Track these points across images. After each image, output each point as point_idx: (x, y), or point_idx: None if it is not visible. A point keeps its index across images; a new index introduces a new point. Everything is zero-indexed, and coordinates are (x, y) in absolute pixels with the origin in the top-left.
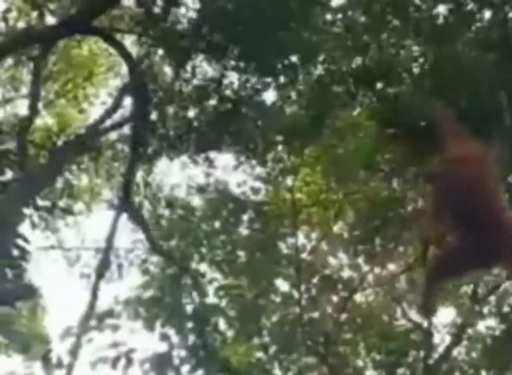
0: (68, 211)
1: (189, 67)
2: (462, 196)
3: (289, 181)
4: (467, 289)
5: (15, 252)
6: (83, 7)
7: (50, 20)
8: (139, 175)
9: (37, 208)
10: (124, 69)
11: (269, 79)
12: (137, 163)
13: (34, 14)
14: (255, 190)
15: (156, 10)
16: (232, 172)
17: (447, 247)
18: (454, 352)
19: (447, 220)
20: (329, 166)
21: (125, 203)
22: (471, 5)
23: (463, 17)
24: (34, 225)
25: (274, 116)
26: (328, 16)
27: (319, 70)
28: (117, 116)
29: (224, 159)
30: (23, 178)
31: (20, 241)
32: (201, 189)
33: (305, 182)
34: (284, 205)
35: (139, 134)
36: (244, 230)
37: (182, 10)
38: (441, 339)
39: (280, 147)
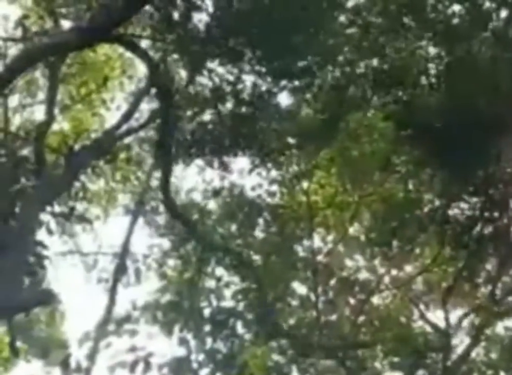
0: (84, 219)
1: (205, 71)
2: None
3: (304, 184)
4: (485, 290)
5: (33, 259)
6: (104, 15)
7: (65, 24)
8: (155, 180)
9: (54, 214)
10: (139, 73)
11: (284, 83)
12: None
13: (50, 20)
14: (271, 194)
15: (174, 15)
16: (247, 175)
17: None
18: (473, 353)
19: None
20: (344, 169)
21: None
22: (487, 5)
23: (479, 17)
24: (50, 232)
25: (289, 120)
26: (344, 18)
27: (335, 73)
28: (133, 121)
29: (239, 162)
30: (40, 184)
31: (37, 248)
32: (217, 193)
33: (321, 184)
34: (300, 208)
35: (162, 138)
36: (260, 234)
37: (199, 14)
38: (459, 340)
39: (295, 150)
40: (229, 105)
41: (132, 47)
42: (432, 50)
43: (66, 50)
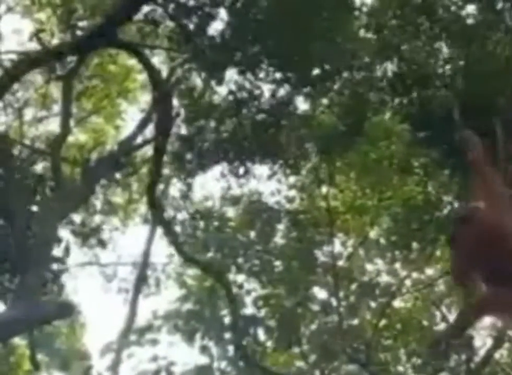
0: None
1: (223, 80)
2: (485, 247)
3: (324, 189)
4: None
5: (50, 275)
6: (106, 18)
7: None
8: (175, 189)
9: (74, 233)
10: None
11: (303, 89)
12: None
13: (67, 33)
14: (290, 199)
15: (190, 25)
16: (266, 181)
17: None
18: (497, 354)
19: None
20: (363, 173)
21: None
22: (500, 5)
23: (493, 17)
24: (67, 250)
25: (308, 125)
26: (359, 22)
27: (353, 77)
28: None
29: (257, 168)
30: (57, 197)
31: (54, 264)
32: (236, 200)
33: (340, 189)
34: (320, 213)
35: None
36: (280, 240)
37: (215, 23)
38: (482, 342)
39: (314, 155)
40: (248, 113)
41: (135, 53)
42: (447, 51)
43: (66, 54)
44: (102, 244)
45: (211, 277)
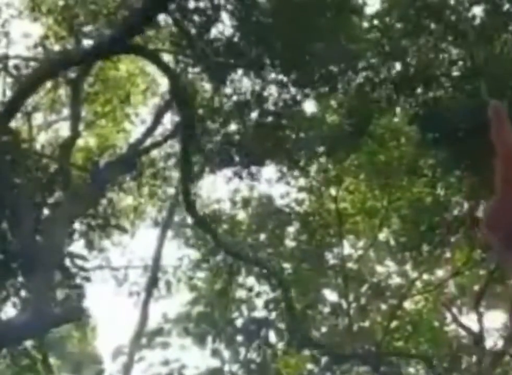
0: (120, 228)
1: (228, 83)
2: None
3: (333, 191)
4: None
5: (62, 274)
6: (119, 27)
7: (87, 43)
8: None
9: (90, 227)
10: (161, 87)
11: (308, 90)
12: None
13: (71, 39)
14: (299, 202)
15: (192, 29)
16: (275, 184)
17: None
18: (507, 355)
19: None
20: (372, 174)
21: None
22: (507, 6)
23: (499, 18)
24: (90, 244)
25: (315, 127)
26: (365, 24)
27: (359, 78)
28: (157, 135)
29: (267, 171)
30: (66, 201)
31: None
32: (246, 203)
33: (349, 190)
34: (329, 215)
35: (185, 149)
36: (290, 242)
37: (218, 26)
38: (493, 343)
39: (322, 157)
40: (254, 115)
41: (153, 59)
42: (454, 52)
43: (80, 64)
44: (122, 229)
45: None
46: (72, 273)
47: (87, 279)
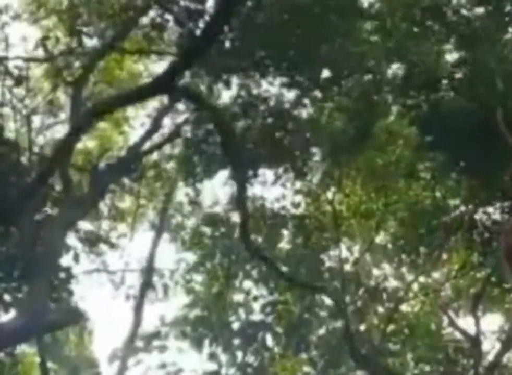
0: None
1: (230, 85)
2: None
3: (329, 193)
4: None
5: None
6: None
7: (89, 43)
8: (182, 194)
9: (81, 240)
10: None
11: (310, 93)
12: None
13: (73, 39)
14: (295, 204)
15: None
16: (271, 186)
17: None
18: (504, 359)
19: None
20: (369, 177)
21: None
22: (508, 7)
23: (501, 20)
24: (76, 258)
25: (315, 130)
26: (367, 25)
27: (361, 81)
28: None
29: (262, 174)
30: (66, 204)
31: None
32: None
33: (345, 193)
34: (325, 218)
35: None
36: (286, 245)
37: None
38: (490, 346)
39: (321, 160)
40: (255, 117)
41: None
42: (455, 54)
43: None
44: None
45: None
46: (55, 286)
47: (70, 292)
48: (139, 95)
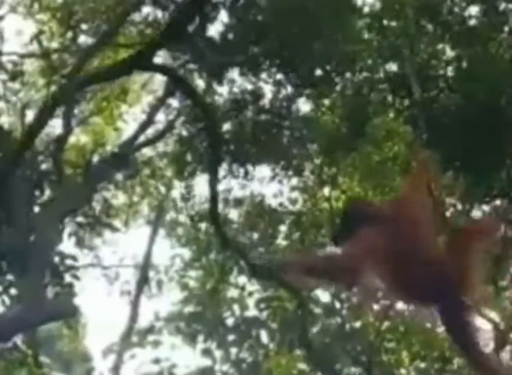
0: (110, 226)
1: (224, 81)
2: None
3: (326, 190)
4: (509, 293)
5: (52, 272)
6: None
7: (83, 39)
8: (176, 190)
9: (79, 224)
10: (156, 85)
11: (305, 90)
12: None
13: (68, 35)
14: (292, 201)
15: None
16: (268, 183)
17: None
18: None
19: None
20: (365, 174)
21: None
22: (503, 6)
23: (496, 18)
24: (80, 242)
25: (310, 126)
26: (361, 23)
27: (355, 79)
28: (150, 133)
29: (260, 170)
30: (59, 198)
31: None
32: (238, 202)
33: (342, 190)
34: (322, 215)
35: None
36: (282, 242)
37: (216, 25)
38: (485, 344)
39: (317, 157)
40: (249, 113)
41: (175, 79)
42: (450, 53)
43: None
44: (112, 228)
45: None
46: (61, 272)
47: (76, 277)
48: (118, 70)
